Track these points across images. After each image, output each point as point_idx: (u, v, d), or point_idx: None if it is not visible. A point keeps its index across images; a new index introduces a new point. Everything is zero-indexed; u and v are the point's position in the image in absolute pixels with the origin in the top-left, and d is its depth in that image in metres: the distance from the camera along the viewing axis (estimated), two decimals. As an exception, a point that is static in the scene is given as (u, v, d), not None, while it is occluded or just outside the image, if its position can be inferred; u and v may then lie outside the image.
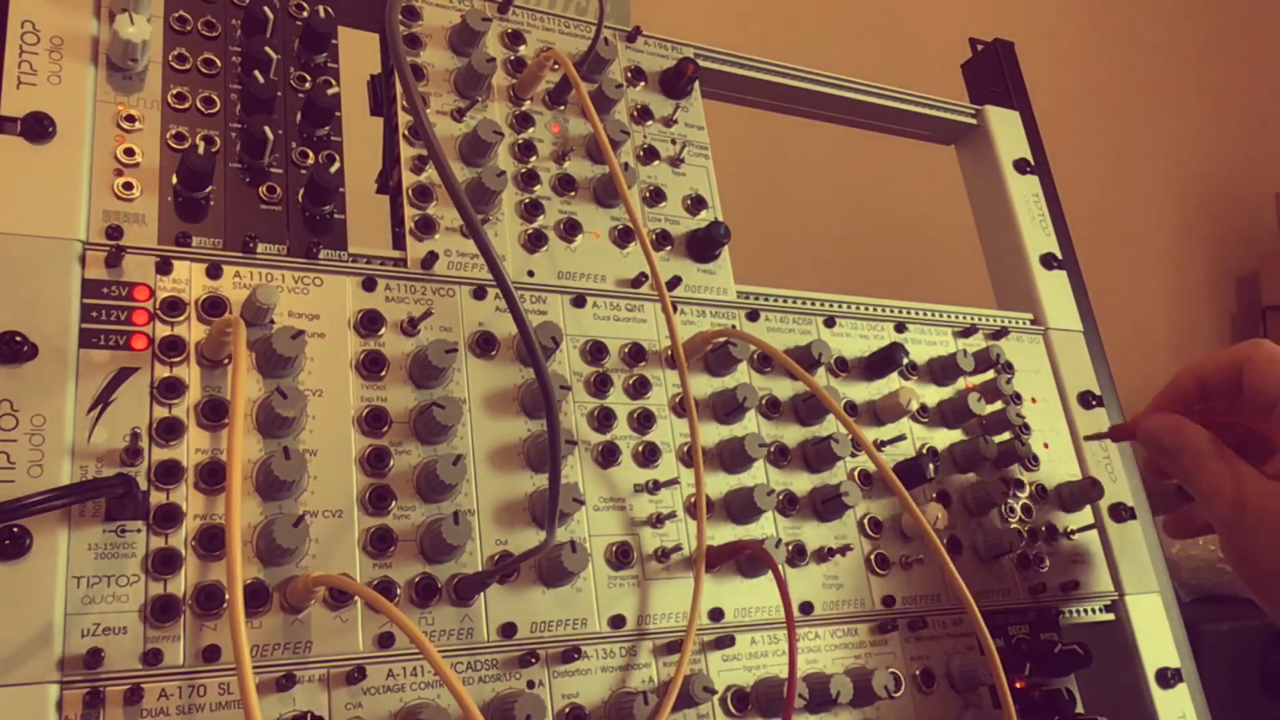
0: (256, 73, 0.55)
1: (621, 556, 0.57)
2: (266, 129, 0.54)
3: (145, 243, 0.51)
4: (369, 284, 0.55)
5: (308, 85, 0.58)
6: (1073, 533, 0.73)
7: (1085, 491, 0.73)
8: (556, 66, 0.65)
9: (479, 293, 0.59)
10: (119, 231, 0.50)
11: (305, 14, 0.59)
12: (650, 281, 0.63)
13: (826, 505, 0.63)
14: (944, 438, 0.71)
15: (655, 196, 0.68)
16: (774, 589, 0.59)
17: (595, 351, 0.61)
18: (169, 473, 0.47)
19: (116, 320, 0.49)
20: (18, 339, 0.45)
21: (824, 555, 0.63)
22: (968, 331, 0.77)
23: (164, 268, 0.50)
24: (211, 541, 0.47)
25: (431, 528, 0.51)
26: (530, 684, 0.52)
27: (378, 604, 0.46)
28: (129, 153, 0.52)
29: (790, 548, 0.61)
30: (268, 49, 0.56)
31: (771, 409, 0.65)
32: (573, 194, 0.64)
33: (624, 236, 0.65)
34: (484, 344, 0.58)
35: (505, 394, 0.57)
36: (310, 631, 0.47)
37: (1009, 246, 0.83)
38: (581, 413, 0.59)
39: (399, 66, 0.50)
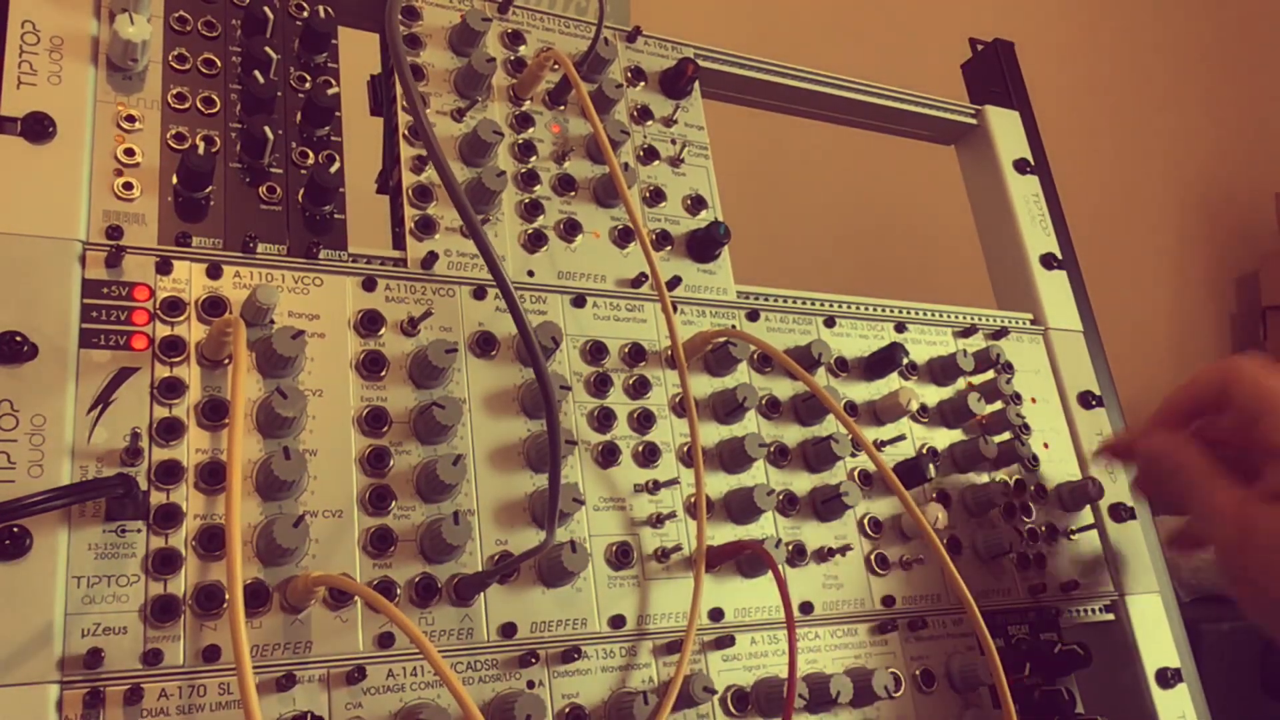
0: (256, 73, 0.55)
1: (621, 556, 0.57)
2: (266, 129, 0.54)
3: (145, 243, 0.51)
4: (369, 284, 0.55)
5: (308, 85, 0.58)
6: (1073, 533, 0.73)
7: (1085, 491, 0.73)
8: (556, 66, 0.65)
9: (479, 293, 0.59)
10: (119, 231, 0.50)
11: (305, 14, 0.59)
12: (650, 281, 0.63)
13: (826, 505, 0.63)
14: (944, 438, 0.71)
15: (655, 196, 0.68)
16: (774, 589, 0.59)
17: (595, 351, 0.61)
18: (169, 473, 0.47)
19: (116, 320, 0.49)
20: (18, 339, 0.45)
21: (824, 555, 0.63)
22: (968, 331, 0.77)
23: (164, 268, 0.50)
24: (211, 541, 0.47)
25: (431, 528, 0.51)
26: (530, 684, 0.52)
27: (378, 604, 0.46)
28: (129, 153, 0.52)
29: (790, 548, 0.61)
30: (268, 49, 0.56)
31: (771, 409, 0.65)
32: (573, 194, 0.64)
33: (624, 236, 0.65)
34: (484, 344, 0.58)
35: (505, 394, 0.57)
36: (310, 631, 0.47)
37: (1009, 246, 0.83)
38: (581, 413, 0.59)
39: (399, 66, 0.50)
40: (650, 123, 0.70)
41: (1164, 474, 0.62)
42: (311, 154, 0.57)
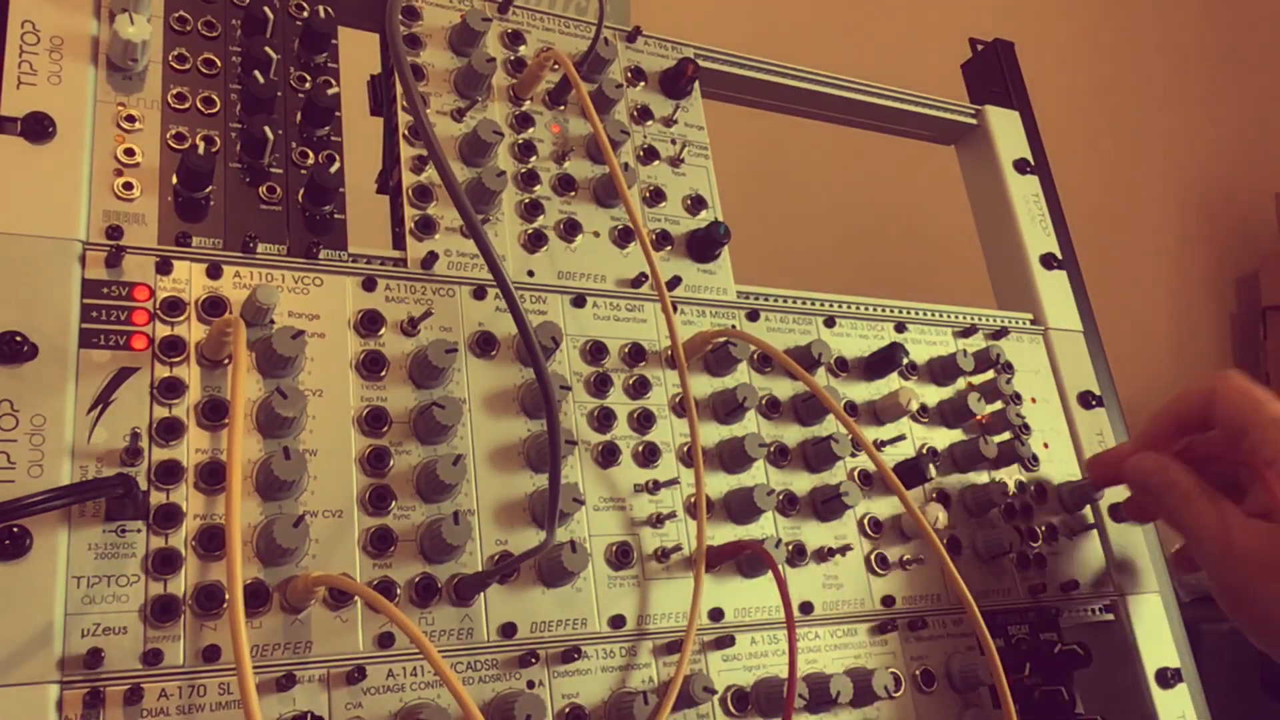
0: (256, 73, 0.55)
1: (621, 556, 0.57)
2: (266, 129, 0.54)
3: (145, 243, 0.51)
4: (369, 284, 0.55)
5: (308, 85, 0.58)
6: (1073, 533, 0.73)
7: (1085, 491, 0.73)
8: (556, 66, 0.65)
9: (479, 293, 0.59)
10: (119, 231, 0.50)
11: (305, 14, 0.59)
12: (650, 281, 0.63)
13: (826, 505, 0.63)
14: (944, 438, 0.71)
15: (655, 196, 0.68)
16: (774, 589, 0.59)
17: (595, 351, 0.61)
18: (169, 473, 0.47)
19: (116, 320, 0.49)
20: (18, 339, 0.45)
21: (824, 555, 0.63)
22: (968, 331, 0.77)
23: (164, 268, 0.50)
24: (211, 541, 0.47)
25: (431, 528, 0.51)
26: (530, 684, 0.52)
27: (378, 604, 0.46)
28: (129, 153, 0.52)
29: (790, 548, 0.61)
30: (268, 49, 0.56)
31: (771, 409, 0.65)
32: (573, 194, 0.64)
33: (624, 236, 0.65)
34: (484, 344, 0.58)
35: (505, 394, 0.57)
36: (310, 631, 0.47)
37: (1009, 246, 0.83)
38: (581, 413, 0.59)
39: (399, 66, 0.50)
40: (650, 123, 0.70)
41: (1151, 494, 0.62)
42: (311, 154, 0.57)
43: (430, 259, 0.58)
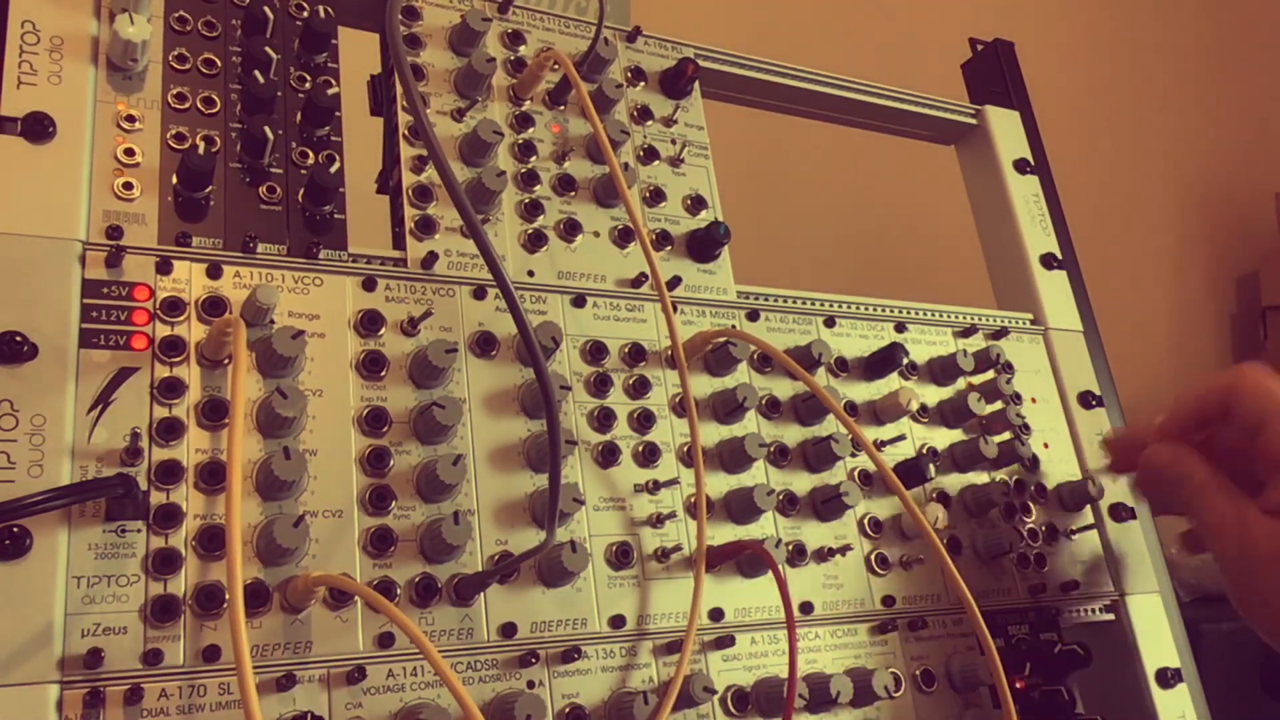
0: (256, 73, 0.55)
1: (621, 556, 0.57)
2: (266, 129, 0.54)
3: (145, 243, 0.51)
4: (369, 284, 0.55)
5: (308, 85, 0.58)
6: (1073, 533, 0.73)
7: (1085, 491, 0.73)
8: (556, 66, 0.65)
9: (479, 293, 0.59)
10: (119, 231, 0.50)
11: (305, 14, 0.59)
12: (650, 281, 0.63)
13: (826, 505, 0.63)
14: (944, 438, 0.71)
15: (655, 196, 0.68)
16: (774, 589, 0.59)
17: (595, 351, 0.61)
18: (169, 473, 0.47)
19: (116, 320, 0.48)
20: (18, 339, 0.45)
21: (824, 555, 0.63)
22: (968, 331, 0.77)
23: (164, 268, 0.50)
24: (211, 541, 0.47)
25: (431, 528, 0.51)
26: (530, 684, 0.52)
27: (378, 604, 0.46)
28: (129, 153, 0.52)
29: (790, 548, 0.61)
30: (268, 49, 0.56)
31: (771, 409, 0.65)
32: (573, 194, 0.64)
33: (624, 236, 0.65)
34: (484, 344, 0.58)
35: (505, 394, 0.57)
36: (310, 631, 0.47)
37: (1009, 246, 0.83)
38: (581, 413, 0.59)
39: (399, 66, 0.50)
40: (650, 123, 0.70)
41: (1167, 486, 0.61)
42: (311, 154, 0.57)
43: (430, 259, 0.58)
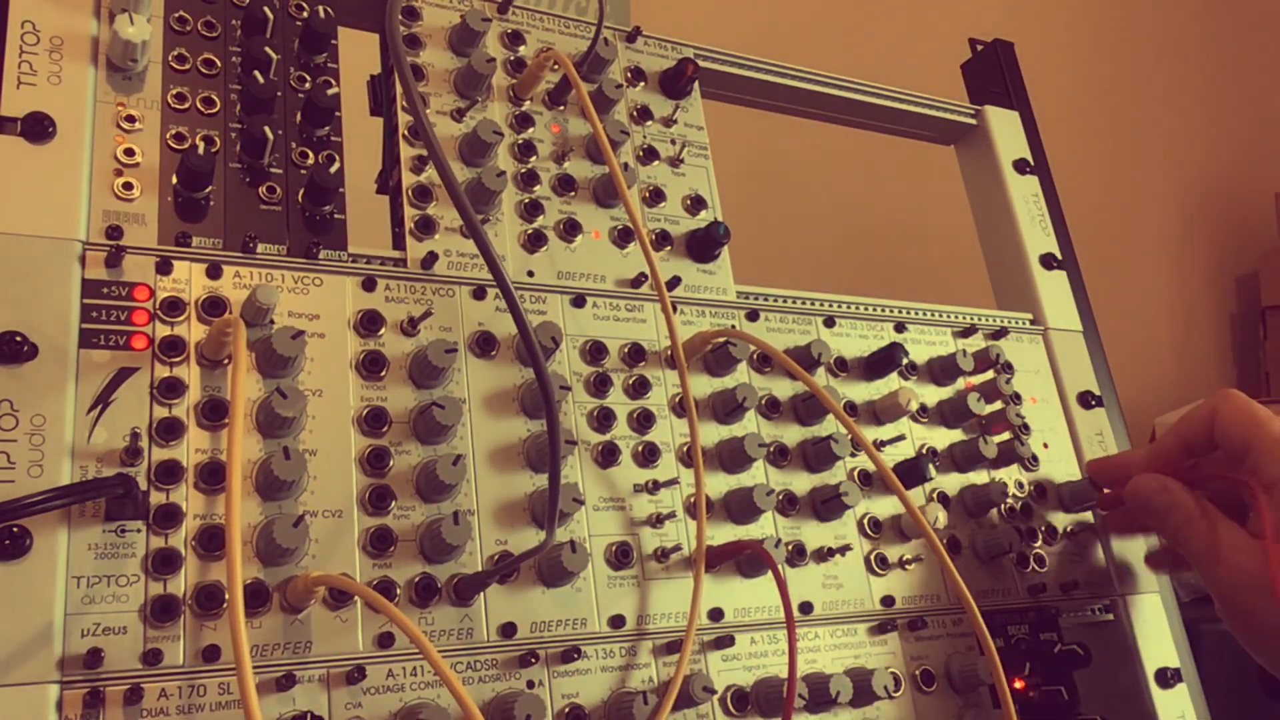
0: (256, 73, 0.55)
1: (621, 556, 0.57)
2: (266, 129, 0.54)
3: (145, 243, 0.51)
4: (369, 284, 0.55)
5: (308, 85, 0.58)
6: (1073, 533, 0.73)
7: (1085, 491, 0.73)
8: (556, 66, 0.65)
9: (479, 293, 0.59)
10: (119, 231, 0.50)
11: (305, 14, 0.59)
12: (650, 281, 0.63)
13: (826, 505, 0.63)
14: (944, 438, 0.71)
15: (655, 196, 0.68)
16: (774, 589, 0.59)
17: (595, 351, 0.61)
18: (169, 473, 0.47)
19: (116, 320, 0.49)
20: (18, 339, 0.45)
21: (824, 555, 0.63)
22: (967, 331, 0.77)
23: (164, 268, 0.50)
24: (211, 541, 0.47)
25: (431, 528, 0.51)
26: (530, 684, 0.52)
27: (378, 604, 0.46)
28: (129, 153, 0.52)
29: (790, 548, 0.61)
30: (268, 49, 0.56)
31: (771, 409, 0.65)
32: (573, 194, 0.64)
33: (624, 236, 0.65)
34: (484, 344, 0.58)
35: (505, 394, 0.57)
36: (310, 631, 0.47)
37: (1009, 246, 0.83)
38: (581, 413, 0.59)
39: (399, 66, 0.50)
40: (650, 123, 0.70)
41: (1153, 515, 0.63)
42: (311, 154, 0.57)
43: (430, 259, 0.58)
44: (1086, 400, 0.78)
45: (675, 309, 0.64)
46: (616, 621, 0.55)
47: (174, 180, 0.52)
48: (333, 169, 0.56)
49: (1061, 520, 0.73)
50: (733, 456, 0.61)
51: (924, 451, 0.70)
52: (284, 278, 0.53)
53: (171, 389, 0.48)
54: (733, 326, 0.67)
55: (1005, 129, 0.87)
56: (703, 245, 0.67)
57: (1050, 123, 0.93)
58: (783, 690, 0.55)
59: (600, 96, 0.67)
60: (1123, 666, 0.71)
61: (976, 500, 0.69)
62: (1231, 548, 0.58)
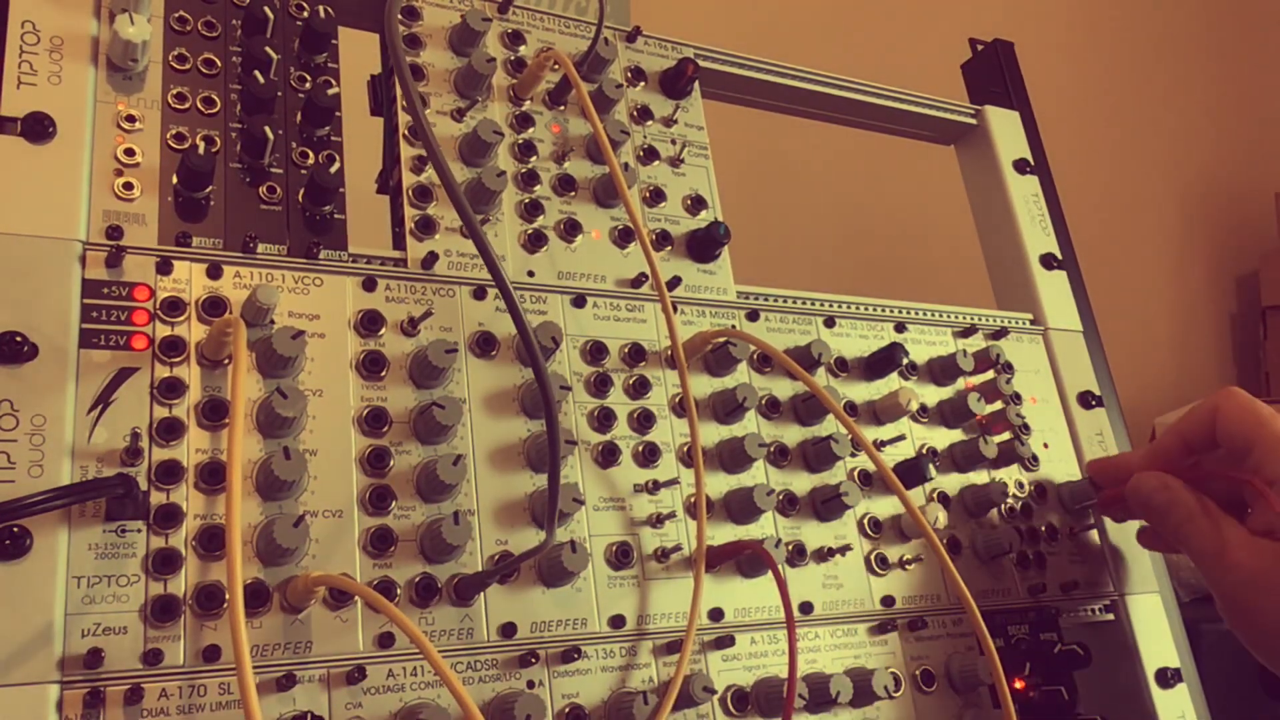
0: (256, 73, 0.55)
1: (621, 556, 0.57)
2: (266, 129, 0.54)
3: (145, 243, 0.51)
4: (369, 284, 0.55)
5: (308, 85, 0.58)
6: (1073, 533, 0.73)
7: (1085, 491, 0.73)
8: (556, 66, 0.65)
9: (479, 293, 0.59)
10: (119, 231, 0.50)
11: (305, 14, 0.59)
12: (650, 281, 0.63)
13: (826, 505, 0.63)
14: (944, 438, 0.71)
15: (655, 196, 0.68)
16: (774, 589, 0.59)
17: (595, 351, 0.61)
18: (169, 473, 0.47)
19: (117, 320, 0.49)
20: (18, 339, 0.45)
21: (824, 555, 0.63)
22: (967, 331, 0.77)
23: (164, 268, 0.50)
24: (211, 541, 0.47)
25: (431, 528, 0.51)
26: (530, 684, 0.52)
27: (378, 604, 0.46)
28: (129, 153, 0.52)
29: (790, 548, 0.61)
30: (268, 49, 0.56)
31: (771, 409, 0.65)
32: (573, 194, 0.64)
33: (624, 236, 0.65)
34: (484, 344, 0.58)
35: (505, 394, 0.57)
36: (310, 631, 0.47)
37: (1009, 246, 0.83)
38: (581, 413, 0.59)
39: (399, 66, 0.50)
40: (650, 123, 0.70)
41: (1153, 513, 0.63)
42: (311, 154, 0.57)
43: (430, 259, 0.58)
44: (1086, 400, 0.78)
45: (675, 309, 0.64)
46: (617, 621, 0.55)
47: (174, 180, 0.52)
48: (333, 169, 0.56)
49: (1061, 520, 0.73)
50: (733, 456, 0.61)
51: (924, 451, 0.70)
52: (284, 278, 0.53)
53: (172, 389, 0.48)
54: (733, 326, 0.67)
55: (1005, 129, 0.87)
56: (703, 245, 0.67)
57: (1050, 123, 0.93)
58: (783, 690, 0.55)
59: (600, 96, 0.67)
60: (1123, 666, 0.71)
61: (976, 500, 0.69)
62: (1232, 545, 0.58)
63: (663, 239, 0.66)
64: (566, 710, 0.52)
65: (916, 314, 0.75)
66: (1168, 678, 0.70)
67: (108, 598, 0.44)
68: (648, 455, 0.60)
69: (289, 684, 0.46)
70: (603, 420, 0.59)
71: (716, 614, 0.58)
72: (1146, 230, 2.36)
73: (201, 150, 0.53)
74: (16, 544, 0.43)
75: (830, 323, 0.70)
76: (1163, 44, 2.49)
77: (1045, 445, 0.75)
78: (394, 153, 0.61)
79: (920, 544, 0.66)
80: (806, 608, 0.61)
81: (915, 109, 0.85)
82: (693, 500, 0.59)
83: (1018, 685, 0.65)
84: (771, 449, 0.63)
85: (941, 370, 0.73)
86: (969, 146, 0.89)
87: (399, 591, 0.50)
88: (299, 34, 0.59)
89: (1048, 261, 0.82)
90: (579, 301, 0.62)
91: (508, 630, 0.52)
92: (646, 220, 0.67)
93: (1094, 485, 0.72)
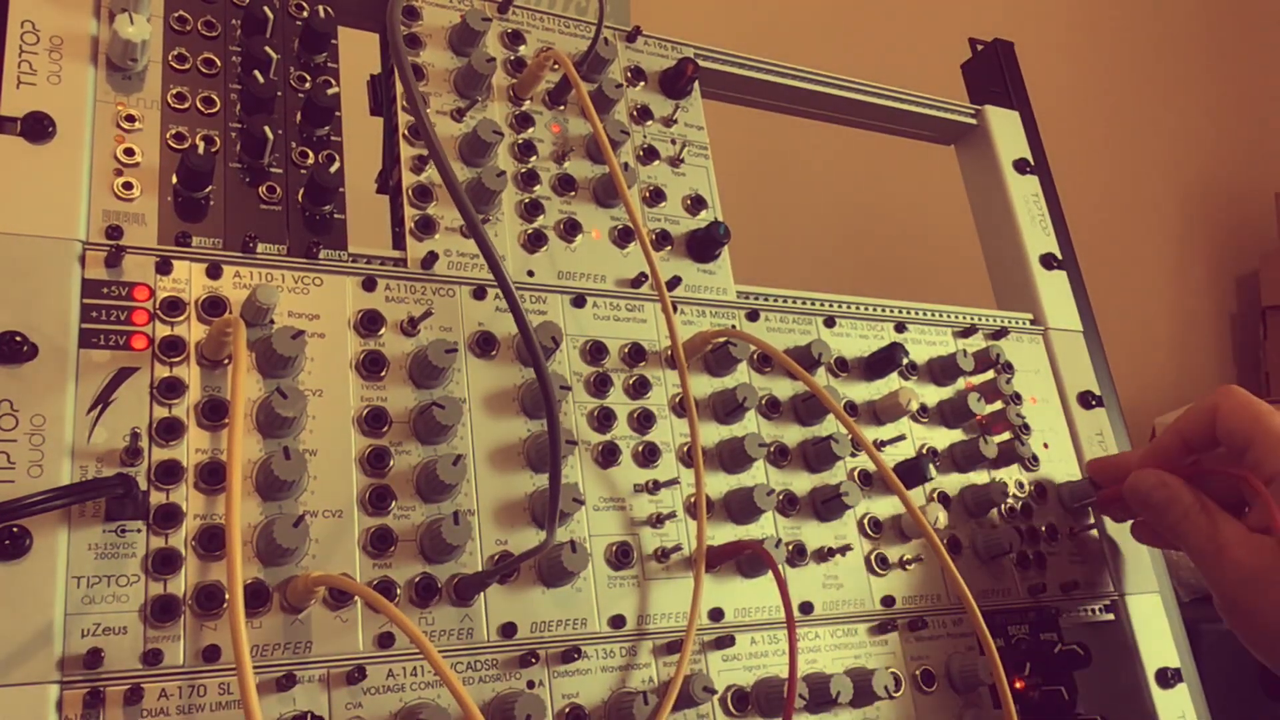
0: (256, 73, 0.55)
1: (621, 556, 0.57)
2: (266, 129, 0.54)
3: (145, 243, 0.50)
4: (369, 284, 0.55)
5: (308, 85, 0.58)
6: (1072, 533, 0.73)
7: (1085, 491, 0.73)
8: (556, 66, 0.65)
9: (479, 293, 0.59)
10: (119, 231, 0.50)
11: (305, 14, 0.59)
12: (650, 281, 0.63)
13: (826, 505, 0.63)
14: (944, 438, 0.71)
15: (655, 196, 0.68)
16: (774, 589, 0.59)
17: (595, 351, 0.61)
18: (169, 473, 0.47)
19: (116, 320, 0.48)
20: (18, 339, 0.45)
21: (824, 555, 0.63)
22: (968, 331, 0.77)
23: (164, 268, 0.50)
24: (211, 541, 0.47)
25: (431, 528, 0.51)
26: (530, 684, 0.52)
27: (378, 604, 0.46)
28: (129, 153, 0.52)
29: (790, 548, 0.61)
30: (268, 49, 0.56)
31: (771, 409, 0.65)
32: (573, 194, 0.64)
33: (624, 236, 0.65)
34: (484, 344, 0.58)
35: (505, 394, 0.57)
36: (310, 631, 0.47)
37: (1009, 246, 0.83)
38: (581, 413, 0.59)
39: (399, 66, 0.50)
40: (650, 123, 0.70)
41: (1151, 510, 0.63)
42: (311, 154, 0.57)
43: (430, 259, 0.58)
44: (1086, 400, 0.78)
45: (675, 309, 0.64)
46: (617, 621, 0.55)
47: (174, 180, 0.52)
48: (333, 169, 0.56)
49: (1061, 520, 0.73)
50: (733, 456, 0.61)
51: (924, 451, 0.70)
52: (284, 278, 0.53)
53: (171, 389, 0.48)
54: (733, 326, 0.67)
55: (1005, 129, 0.87)
56: (703, 245, 0.67)
57: (1050, 123, 0.93)
58: (783, 690, 0.55)
59: (600, 96, 0.67)
60: (1123, 666, 0.71)
61: (977, 500, 0.69)
62: (1231, 543, 0.58)
63: (663, 239, 0.66)
64: (566, 710, 0.52)
65: (916, 314, 0.75)
66: (1168, 678, 0.70)
67: (107, 598, 0.44)
68: (648, 455, 0.60)
69: (289, 684, 0.46)
70: (603, 420, 0.59)
71: (716, 614, 0.58)
72: (1146, 230, 2.36)
73: (201, 150, 0.53)
74: (16, 544, 0.43)
75: (830, 323, 0.70)
76: (1163, 44, 2.49)
77: (1045, 445, 0.75)
78: (394, 152, 0.61)
79: (920, 544, 0.66)
80: (807, 608, 0.61)
81: (915, 109, 0.85)
82: (693, 500, 0.59)
83: (1018, 685, 0.65)
84: (771, 449, 0.63)
85: (941, 370, 0.73)
86: (969, 146, 0.89)
87: (399, 591, 0.50)
88: (299, 34, 0.59)
89: (1048, 261, 0.82)
90: (579, 301, 0.62)
91: (508, 630, 0.52)
92: (646, 220, 0.67)
93: (1093, 484, 0.72)
